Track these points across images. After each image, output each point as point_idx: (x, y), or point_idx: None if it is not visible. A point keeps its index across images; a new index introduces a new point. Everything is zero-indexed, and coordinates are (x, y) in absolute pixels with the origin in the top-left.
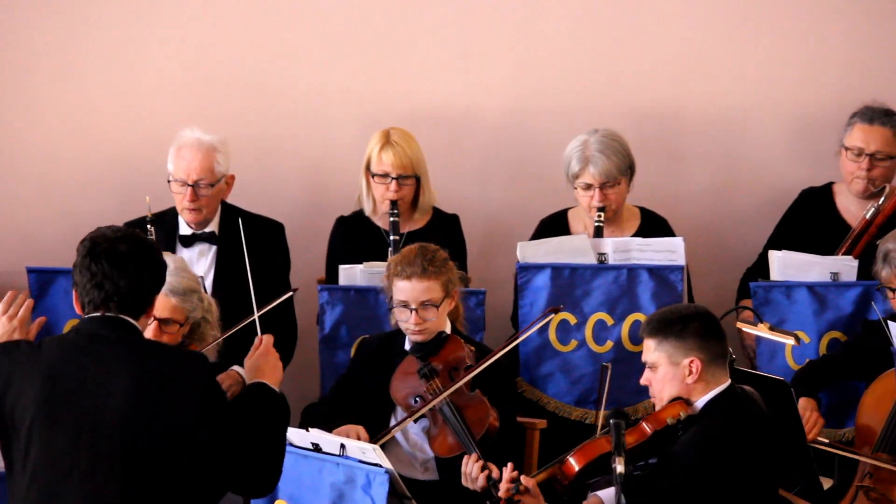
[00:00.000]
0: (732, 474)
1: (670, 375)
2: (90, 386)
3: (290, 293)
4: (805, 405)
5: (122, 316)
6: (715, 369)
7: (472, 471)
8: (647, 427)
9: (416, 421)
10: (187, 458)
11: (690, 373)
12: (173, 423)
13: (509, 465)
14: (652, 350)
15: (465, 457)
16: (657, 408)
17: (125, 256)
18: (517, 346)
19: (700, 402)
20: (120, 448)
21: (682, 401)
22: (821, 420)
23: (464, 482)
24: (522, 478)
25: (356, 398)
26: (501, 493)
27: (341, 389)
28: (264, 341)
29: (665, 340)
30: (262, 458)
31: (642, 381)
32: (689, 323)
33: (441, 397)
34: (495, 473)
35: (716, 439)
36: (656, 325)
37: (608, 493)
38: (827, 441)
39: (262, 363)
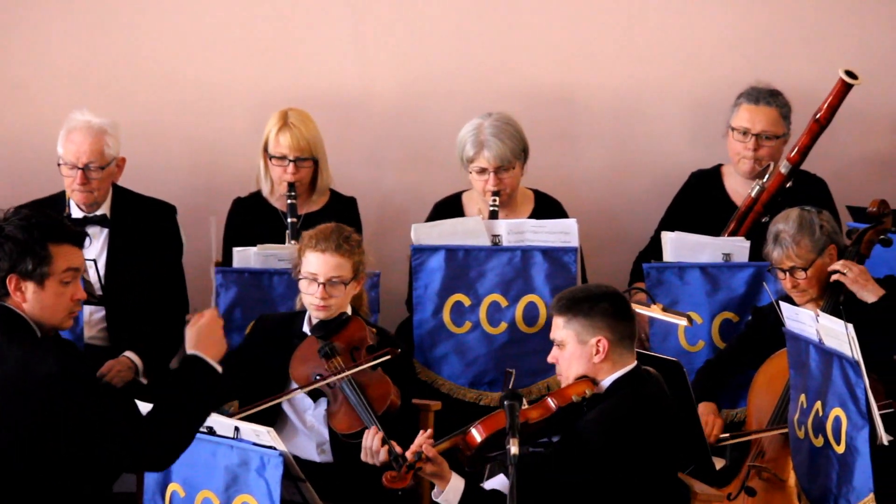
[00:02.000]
0: (634, 454)
1: (577, 354)
2: None
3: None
4: (704, 410)
5: None
6: (622, 350)
7: (373, 445)
8: (552, 403)
9: (315, 400)
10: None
11: (597, 352)
12: (16, 417)
13: (429, 430)
14: (560, 328)
15: (367, 431)
16: (563, 386)
17: None
18: (412, 327)
19: (606, 381)
20: None
21: (588, 379)
22: (719, 421)
23: (363, 457)
24: (424, 446)
25: (247, 373)
26: (408, 456)
27: (232, 363)
28: (208, 312)
29: (574, 319)
30: (169, 433)
31: (549, 359)
32: (599, 302)
33: (345, 374)
34: (397, 449)
35: (619, 419)
36: (566, 304)
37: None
38: (728, 435)
39: (204, 334)
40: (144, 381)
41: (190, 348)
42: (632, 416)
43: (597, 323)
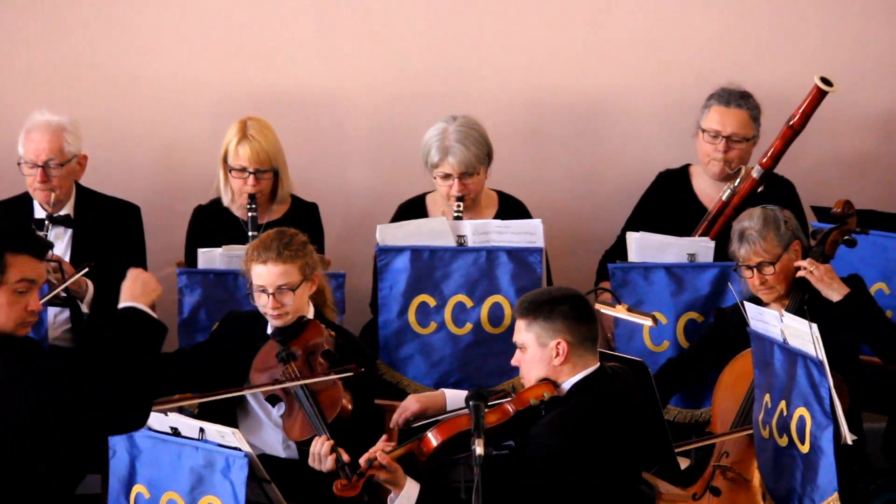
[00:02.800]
0: (592, 455)
1: (538, 357)
2: None
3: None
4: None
5: None
6: (583, 352)
7: (320, 451)
8: (509, 407)
9: (273, 404)
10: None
11: (557, 354)
12: None
13: (384, 437)
14: (522, 331)
15: (316, 438)
16: (525, 388)
17: None
18: (377, 327)
19: (566, 384)
20: None
21: (548, 382)
22: None
23: (311, 462)
24: (378, 454)
25: (210, 366)
26: (361, 463)
27: (198, 353)
28: (131, 270)
29: (534, 322)
30: (131, 390)
31: (513, 362)
32: (559, 305)
33: (296, 383)
34: (345, 457)
35: (574, 420)
36: (527, 307)
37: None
38: (693, 438)
39: (131, 286)
40: (86, 309)
41: (125, 300)
42: (588, 418)
43: (556, 326)
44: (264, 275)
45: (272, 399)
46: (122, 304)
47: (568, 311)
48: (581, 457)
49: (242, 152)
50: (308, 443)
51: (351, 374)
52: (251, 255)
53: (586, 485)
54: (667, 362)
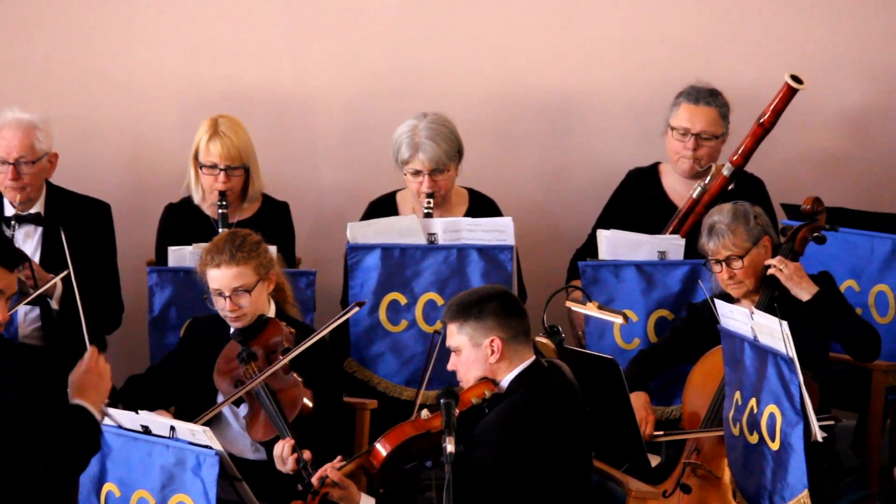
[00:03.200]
0: (536, 448)
1: (473, 357)
2: None
3: (356, 307)
4: (637, 402)
5: None
6: (517, 347)
7: (282, 453)
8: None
9: (238, 405)
10: None
11: (492, 352)
12: None
13: (337, 458)
14: (455, 334)
15: (280, 441)
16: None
17: None
18: (347, 327)
19: (505, 380)
20: None
21: (487, 380)
22: (652, 417)
23: (276, 464)
24: (329, 471)
25: (182, 377)
26: (314, 482)
27: (168, 366)
28: (87, 356)
29: (465, 323)
30: (55, 483)
31: (449, 367)
32: (487, 303)
33: (255, 382)
34: (307, 456)
35: (518, 415)
36: (456, 310)
37: None
38: (662, 433)
39: (83, 380)
40: (56, 306)
41: (72, 397)
42: (529, 410)
43: (488, 324)
44: (219, 278)
45: (236, 401)
46: (71, 400)
47: (497, 308)
48: (528, 449)
49: (213, 149)
50: (270, 444)
51: (292, 353)
52: (205, 260)
53: (536, 477)
54: (638, 354)
